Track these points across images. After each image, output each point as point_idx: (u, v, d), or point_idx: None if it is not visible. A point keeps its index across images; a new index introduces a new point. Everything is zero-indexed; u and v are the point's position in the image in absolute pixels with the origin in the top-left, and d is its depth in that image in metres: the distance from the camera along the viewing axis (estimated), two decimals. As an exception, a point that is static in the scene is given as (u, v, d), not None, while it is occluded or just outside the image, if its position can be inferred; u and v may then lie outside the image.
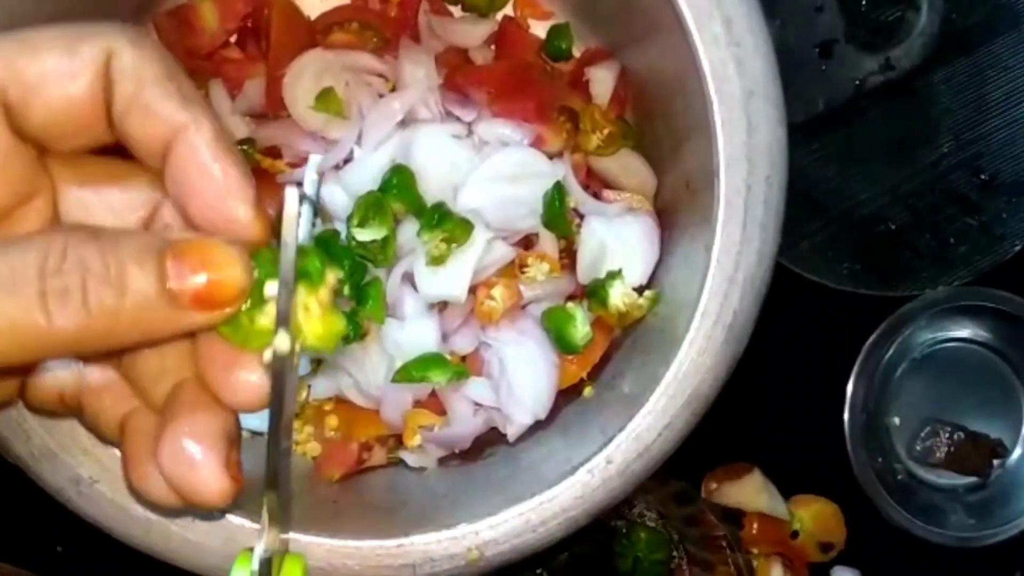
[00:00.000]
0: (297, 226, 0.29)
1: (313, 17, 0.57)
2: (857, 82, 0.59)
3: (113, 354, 0.32)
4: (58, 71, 0.29)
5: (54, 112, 0.29)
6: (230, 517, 0.41)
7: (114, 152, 0.32)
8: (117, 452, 0.40)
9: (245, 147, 0.55)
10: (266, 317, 0.29)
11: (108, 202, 0.31)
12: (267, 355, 0.28)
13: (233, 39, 0.57)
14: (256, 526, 0.41)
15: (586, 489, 0.42)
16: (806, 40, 0.58)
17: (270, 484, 0.29)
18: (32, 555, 0.64)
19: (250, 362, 0.29)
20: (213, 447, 0.29)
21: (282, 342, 0.28)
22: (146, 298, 0.27)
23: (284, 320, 0.28)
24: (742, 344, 0.43)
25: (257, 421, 0.54)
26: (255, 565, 0.28)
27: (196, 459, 0.29)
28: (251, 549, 0.29)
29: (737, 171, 0.41)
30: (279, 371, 0.28)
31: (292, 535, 0.41)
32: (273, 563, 0.28)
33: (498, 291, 0.52)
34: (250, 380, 0.30)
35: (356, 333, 0.50)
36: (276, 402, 0.28)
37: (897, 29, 0.58)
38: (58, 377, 0.32)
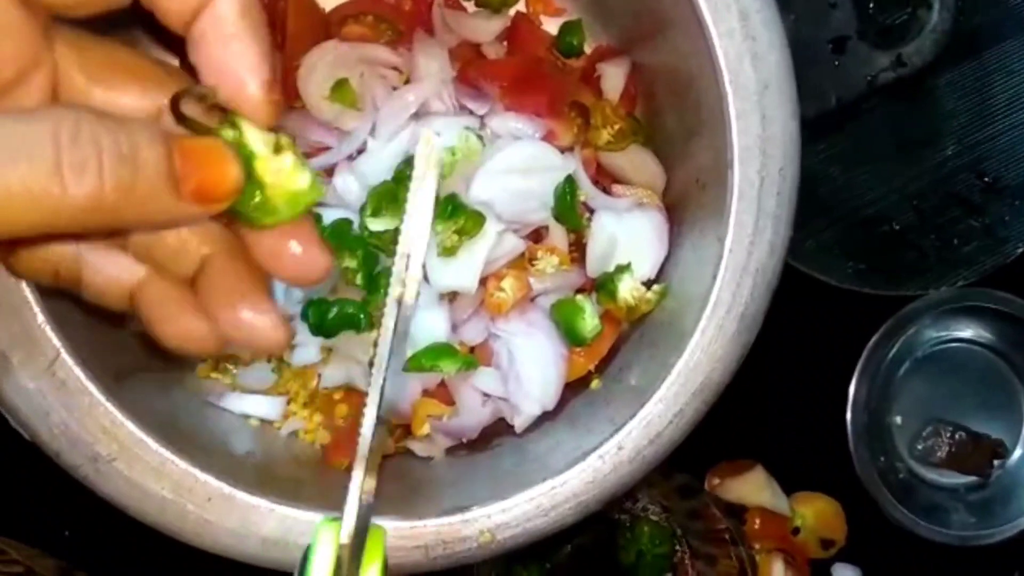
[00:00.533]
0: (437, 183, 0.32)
1: (328, 9, 0.57)
2: (869, 78, 0.60)
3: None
4: None
5: None
6: (244, 496, 0.41)
7: (125, 26, 0.32)
8: (134, 430, 0.41)
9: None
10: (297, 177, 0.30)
11: (109, 98, 0.31)
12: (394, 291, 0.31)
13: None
14: (268, 505, 0.42)
15: (597, 474, 0.43)
16: (819, 35, 0.58)
17: (381, 419, 0.30)
18: (40, 538, 0.64)
19: (300, 234, 0.31)
20: (265, 308, 0.31)
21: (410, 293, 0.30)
22: (156, 179, 0.27)
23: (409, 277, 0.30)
24: (753, 334, 0.43)
25: (266, 407, 0.55)
26: (346, 534, 0.29)
27: (255, 323, 0.31)
28: (332, 519, 0.29)
29: (751, 163, 0.42)
30: (404, 321, 0.30)
31: (302, 513, 0.42)
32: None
33: (508, 283, 0.52)
34: (296, 252, 0.31)
35: (367, 322, 0.51)
36: (398, 339, 0.31)
37: (909, 26, 0.58)
38: (56, 251, 0.32)
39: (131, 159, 0.27)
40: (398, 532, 0.41)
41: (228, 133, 0.30)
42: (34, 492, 0.60)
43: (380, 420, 0.30)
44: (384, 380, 0.30)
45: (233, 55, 0.30)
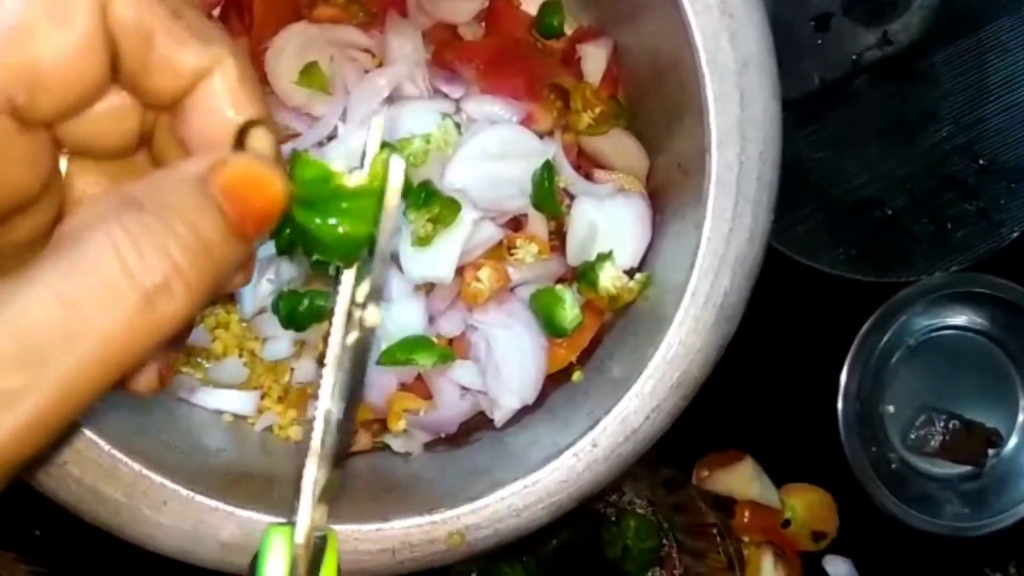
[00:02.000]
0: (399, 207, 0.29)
1: (298, -9, 0.55)
2: (854, 57, 0.58)
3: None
4: (54, 48, 0.26)
5: (61, 94, 0.27)
6: (201, 499, 0.40)
7: None
8: (88, 433, 0.39)
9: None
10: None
11: (94, 125, 0.29)
12: (349, 338, 0.29)
13: (216, 12, 0.56)
14: (227, 508, 0.40)
15: (571, 473, 0.41)
16: (802, 13, 0.56)
17: (337, 462, 0.28)
18: (12, 540, 0.63)
19: None
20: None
21: (372, 315, 0.28)
22: (226, 247, 0.26)
23: (376, 294, 0.28)
24: (733, 325, 0.41)
25: (238, 403, 0.53)
26: (300, 538, 0.27)
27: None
28: (282, 525, 0.28)
29: (730, 147, 0.40)
30: (365, 341, 0.28)
31: (263, 516, 0.41)
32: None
33: (485, 273, 0.51)
34: None
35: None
36: (358, 372, 0.28)
37: (896, 2, 0.56)
38: None
39: (203, 250, 0.25)
40: (363, 535, 0.40)
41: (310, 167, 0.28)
42: (5, 494, 0.59)
43: (336, 417, 0.28)
44: (335, 380, 0.28)
45: (233, 127, 0.28)
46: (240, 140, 0.28)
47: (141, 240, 0.24)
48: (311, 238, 0.29)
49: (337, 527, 0.39)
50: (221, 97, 0.28)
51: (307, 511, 0.28)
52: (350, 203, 0.28)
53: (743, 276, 0.41)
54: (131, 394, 0.29)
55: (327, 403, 0.28)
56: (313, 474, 0.28)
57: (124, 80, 0.28)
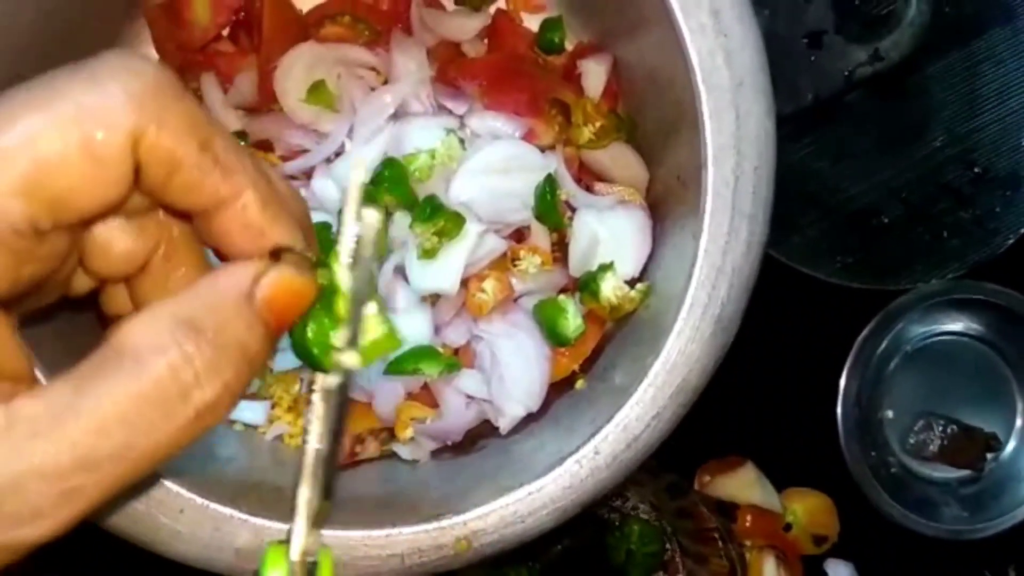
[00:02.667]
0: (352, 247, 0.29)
1: (305, 10, 0.57)
2: (846, 73, 0.59)
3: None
4: (85, 183, 0.27)
5: (83, 218, 0.28)
6: (217, 507, 0.41)
7: None
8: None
9: (239, 141, 0.55)
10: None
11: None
12: (328, 380, 0.29)
13: (225, 32, 0.57)
14: (241, 516, 0.42)
15: (574, 479, 0.42)
16: (795, 30, 0.57)
17: (327, 495, 0.29)
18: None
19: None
20: None
21: (350, 359, 0.29)
22: (264, 350, 0.28)
23: (354, 336, 0.29)
24: (730, 335, 0.43)
25: (250, 413, 0.55)
26: (295, 555, 0.28)
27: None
28: (282, 543, 0.29)
29: (725, 162, 0.41)
30: (344, 383, 0.29)
31: (276, 524, 0.42)
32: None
33: (489, 284, 0.52)
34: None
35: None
36: (339, 411, 0.29)
37: (887, 20, 0.57)
38: None
39: (248, 364, 0.27)
40: (373, 541, 0.41)
41: (323, 275, 0.29)
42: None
43: (331, 434, 0.29)
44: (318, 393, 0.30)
45: (267, 243, 0.29)
46: (275, 255, 0.29)
47: (198, 365, 0.26)
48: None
49: (347, 533, 0.41)
50: (245, 223, 0.29)
51: (302, 529, 0.29)
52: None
53: (740, 287, 0.42)
54: None
55: (314, 442, 0.29)
56: (305, 497, 0.29)
57: (143, 190, 0.29)
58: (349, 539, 0.41)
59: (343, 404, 0.29)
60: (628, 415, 0.42)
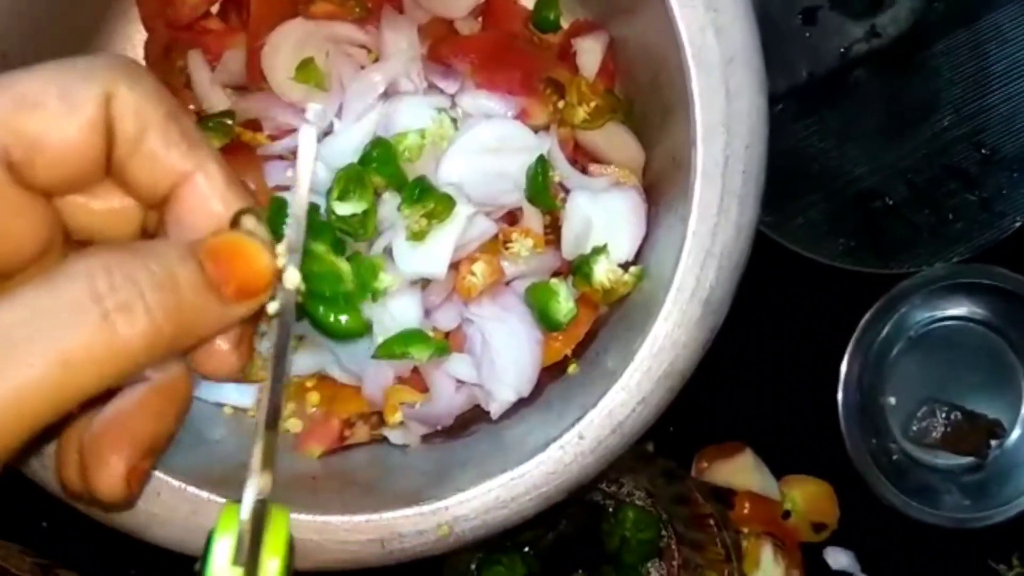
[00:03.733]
0: (312, 168, 0.31)
1: (296, -13, 0.56)
2: (842, 50, 0.58)
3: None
4: (59, 125, 0.28)
5: (58, 165, 0.29)
6: (193, 490, 0.40)
7: None
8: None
9: (227, 119, 0.54)
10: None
11: (98, 217, 0.31)
12: (271, 306, 0.30)
13: (215, 10, 0.56)
14: (218, 500, 0.41)
15: (558, 465, 0.41)
16: (790, 7, 0.56)
17: (270, 423, 0.29)
18: (16, 530, 0.64)
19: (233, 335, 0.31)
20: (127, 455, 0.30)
21: (292, 277, 0.29)
22: (198, 295, 0.28)
23: (295, 256, 0.29)
24: (719, 319, 0.42)
25: (237, 395, 0.54)
26: (245, 513, 0.28)
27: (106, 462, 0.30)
28: (235, 503, 0.28)
29: (715, 141, 0.40)
30: (287, 304, 0.30)
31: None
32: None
33: (479, 267, 0.51)
34: (222, 349, 0.31)
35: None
36: (282, 336, 0.30)
37: (884, -5, 0.56)
38: None
39: (170, 284, 0.27)
40: (352, 525, 0.40)
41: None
42: (9, 485, 0.60)
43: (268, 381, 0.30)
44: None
45: (222, 219, 0.30)
46: (234, 223, 0.30)
47: (115, 271, 0.26)
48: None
49: (327, 518, 0.40)
50: (208, 195, 0.30)
51: (253, 488, 0.28)
52: None
53: (729, 270, 0.41)
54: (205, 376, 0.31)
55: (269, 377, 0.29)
56: (259, 450, 0.29)
57: (113, 169, 0.30)
58: (327, 523, 0.40)
59: (286, 326, 0.30)
60: (613, 400, 0.41)
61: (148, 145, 0.29)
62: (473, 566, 0.58)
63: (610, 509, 0.61)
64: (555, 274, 0.53)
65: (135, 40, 0.57)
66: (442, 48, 0.54)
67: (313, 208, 0.50)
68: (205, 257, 0.28)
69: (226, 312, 0.28)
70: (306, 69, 0.53)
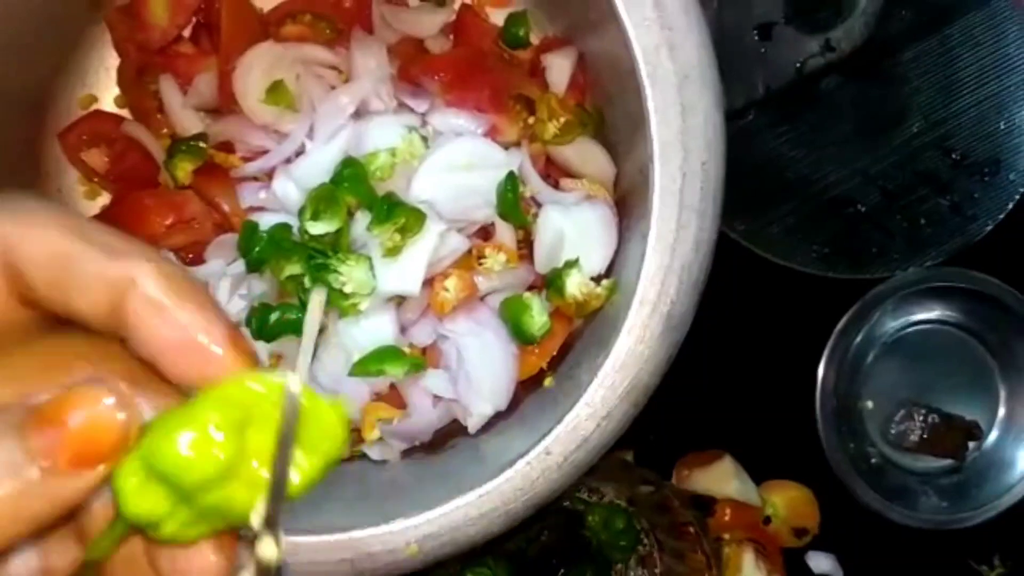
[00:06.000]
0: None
1: (267, 10, 0.56)
2: (798, 64, 0.58)
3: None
4: None
5: None
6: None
7: None
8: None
9: (200, 142, 0.55)
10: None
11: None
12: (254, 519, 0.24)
13: (187, 34, 0.57)
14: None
15: (526, 481, 0.42)
16: (745, 22, 0.57)
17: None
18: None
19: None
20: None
21: (268, 551, 0.24)
22: (17, 477, 0.23)
23: (274, 522, 0.24)
24: (682, 333, 0.42)
25: None
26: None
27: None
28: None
29: (672, 158, 0.40)
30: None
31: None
32: None
33: (451, 282, 0.51)
34: (209, 559, 0.26)
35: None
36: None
37: (838, 10, 0.56)
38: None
39: None
40: (321, 545, 0.41)
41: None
42: None
43: None
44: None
45: (181, 327, 0.25)
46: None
47: None
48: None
49: (297, 539, 0.40)
50: (151, 300, 0.25)
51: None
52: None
53: (689, 284, 0.41)
54: None
55: None
56: None
57: (43, 304, 0.26)
58: (297, 544, 0.41)
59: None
60: (578, 415, 0.42)
61: (68, 276, 0.25)
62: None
63: (591, 518, 0.61)
64: (529, 288, 0.54)
65: (108, 64, 0.58)
66: (412, 67, 0.54)
67: (285, 227, 0.51)
68: (32, 425, 0.23)
69: (66, 484, 0.23)
70: (276, 91, 0.53)
